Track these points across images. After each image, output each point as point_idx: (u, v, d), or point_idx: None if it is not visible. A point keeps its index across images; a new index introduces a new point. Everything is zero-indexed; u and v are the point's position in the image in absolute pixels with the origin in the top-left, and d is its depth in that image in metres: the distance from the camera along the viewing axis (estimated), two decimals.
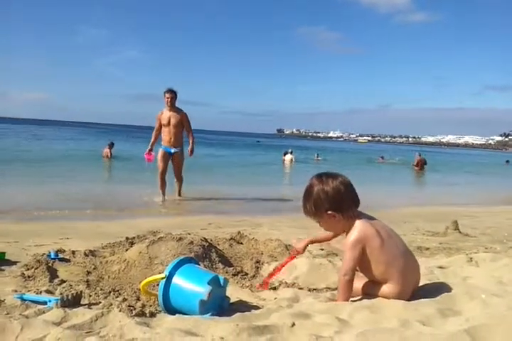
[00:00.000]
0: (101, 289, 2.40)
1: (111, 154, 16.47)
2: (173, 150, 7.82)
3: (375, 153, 31.83)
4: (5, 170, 10.52)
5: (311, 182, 2.16)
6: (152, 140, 8.03)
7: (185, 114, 7.88)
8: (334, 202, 2.09)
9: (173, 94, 7.78)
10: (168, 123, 7.76)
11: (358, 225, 2.10)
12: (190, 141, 7.99)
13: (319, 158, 24.93)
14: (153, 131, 8.01)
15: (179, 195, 8.16)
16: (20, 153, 16.04)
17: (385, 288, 2.10)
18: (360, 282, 2.18)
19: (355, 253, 2.05)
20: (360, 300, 2.12)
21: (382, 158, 26.99)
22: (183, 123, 7.86)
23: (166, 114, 7.82)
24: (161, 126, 7.87)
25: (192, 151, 8.05)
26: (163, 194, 7.90)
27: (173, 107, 7.81)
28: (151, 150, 7.96)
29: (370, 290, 2.15)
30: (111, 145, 16.80)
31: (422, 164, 20.53)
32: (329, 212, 2.10)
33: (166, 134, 7.84)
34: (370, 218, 2.16)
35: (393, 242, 2.11)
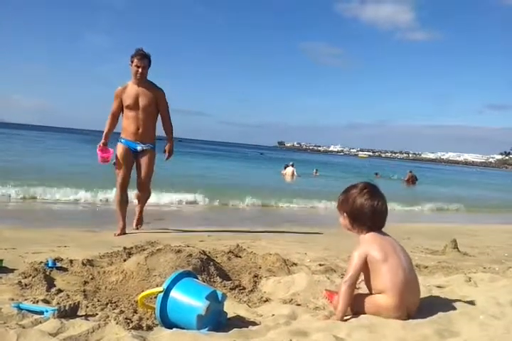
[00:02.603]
0: (98, 300, 2.38)
1: None
2: (139, 148, 5.15)
3: (375, 169, 32.22)
4: (9, 176, 10.52)
5: (356, 184, 2.32)
6: (106, 129, 5.21)
7: (163, 93, 5.22)
8: (353, 212, 2.24)
9: (146, 61, 5.04)
10: (136, 105, 5.05)
11: (366, 238, 2.22)
12: (168, 136, 5.37)
13: (318, 174, 25.03)
14: (109, 115, 5.21)
15: (138, 223, 5.46)
16: (23, 160, 16.04)
17: (381, 298, 2.10)
18: (358, 294, 2.22)
19: (357, 262, 2.14)
20: (358, 318, 2.11)
21: (377, 174, 27.78)
22: (157, 107, 5.19)
23: (132, 91, 5.07)
24: (121, 108, 5.16)
25: (170, 152, 5.36)
26: (123, 220, 5.20)
27: (143, 81, 5.09)
28: (105, 143, 5.15)
29: (367, 302, 2.16)
30: None
31: (412, 180, 23.81)
32: (345, 215, 2.27)
33: (131, 122, 5.10)
34: (382, 234, 2.25)
35: (399, 261, 2.15)
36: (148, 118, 5.15)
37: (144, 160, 5.20)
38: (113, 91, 5.17)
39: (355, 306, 2.16)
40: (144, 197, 5.45)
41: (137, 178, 5.29)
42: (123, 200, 5.26)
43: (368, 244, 2.17)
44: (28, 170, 12.34)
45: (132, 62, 5.03)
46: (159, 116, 5.29)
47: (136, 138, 5.13)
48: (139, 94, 5.06)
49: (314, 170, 25.68)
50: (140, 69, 4.99)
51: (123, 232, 5.15)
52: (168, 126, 5.32)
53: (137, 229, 5.44)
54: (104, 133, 5.18)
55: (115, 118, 5.22)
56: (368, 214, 2.20)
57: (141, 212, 5.52)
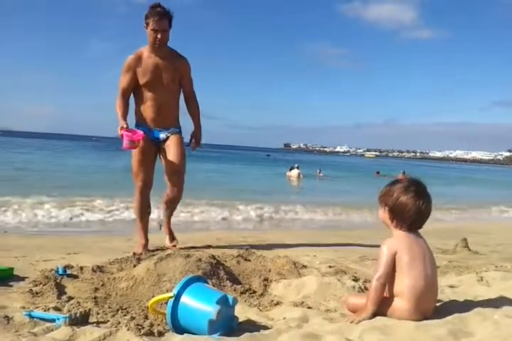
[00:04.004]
0: (109, 307, 2.38)
1: None
2: (163, 135, 4.01)
3: (380, 169, 32.04)
4: (16, 181, 10.60)
5: (404, 180, 2.26)
6: (120, 112, 3.88)
7: (188, 64, 4.08)
8: (395, 208, 2.18)
9: (166, 21, 3.77)
10: (156, 82, 3.88)
11: (400, 235, 2.18)
12: (195, 119, 4.21)
13: (321, 174, 24.86)
14: (118, 95, 3.94)
15: (171, 240, 4.26)
16: (33, 167, 16.17)
17: (397, 302, 2.09)
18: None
19: (387, 258, 2.10)
20: (371, 320, 2.09)
21: (378, 173, 27.49)
22: (181, 81, 4.05)
23: (150, 62, 3.86)
24: (133, 84, 3.91)
25: (199, 139, 4.21)
26: (145, 234, 4.09)
27: (164, 48, 3.92)
28: (127, 125, 3.82)
29: (382, 304, 2.13)
30: None
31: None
32: (386, 208, 2.21)
33: (150, 104, 3.92)
34: (417, 236, 2.21)
35: (424, 267, 2.11)
36: (171, 97, 4.01)
37: (171, 145, 3.99)
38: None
39: None
40: (174, 198, 4.15)
41: (166, 172, 4.04)
42: (144, 208, 4.12)
43: (399, 242, 2.13)
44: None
45: (147, 24, 3.78)
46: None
47: (156, 125, 3.97)
48: (159, 66, 3.87)
49: (318, 171, 25.45)
50: (159, 35, 3.76)
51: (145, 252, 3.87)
52: (194, 106, 4.18)
53: (174, 246, 4.14)
54: (119, 116, 3.88)
55: (126, 97, 3.97)
56: (409, 212, 2.14)
57: (169, 222, 4.28)
